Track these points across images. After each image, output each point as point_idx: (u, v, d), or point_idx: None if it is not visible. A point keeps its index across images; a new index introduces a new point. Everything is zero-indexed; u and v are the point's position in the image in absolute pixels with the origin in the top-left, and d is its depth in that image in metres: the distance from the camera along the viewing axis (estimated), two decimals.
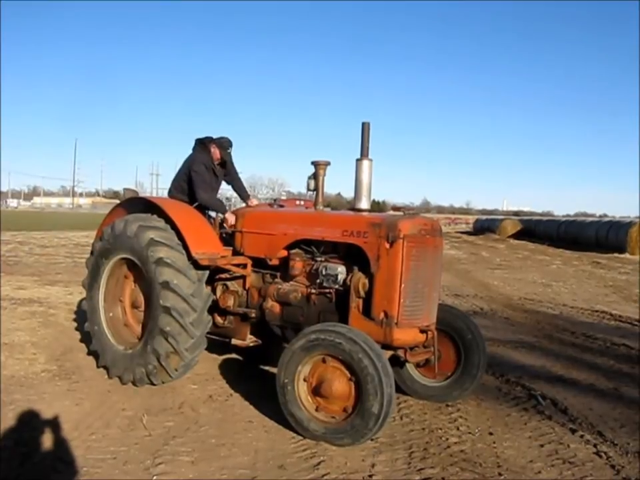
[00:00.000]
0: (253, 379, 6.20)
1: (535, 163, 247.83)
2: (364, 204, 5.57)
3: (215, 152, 6.66)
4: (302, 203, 7.01)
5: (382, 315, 4.93)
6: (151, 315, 5.54)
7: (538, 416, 5.45)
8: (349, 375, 4.53)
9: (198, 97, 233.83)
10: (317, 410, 4.69)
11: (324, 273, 5.31)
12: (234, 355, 7.02)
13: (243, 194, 7.01)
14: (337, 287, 5.27)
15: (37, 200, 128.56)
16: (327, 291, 5.33)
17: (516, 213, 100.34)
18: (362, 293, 5.11)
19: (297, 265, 5.55)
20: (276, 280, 5.79)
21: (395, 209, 5.47)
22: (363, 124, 5.50)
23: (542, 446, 4.78)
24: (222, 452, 4.41)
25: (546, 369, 7.09)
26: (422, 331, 5.10)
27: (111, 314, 6.08)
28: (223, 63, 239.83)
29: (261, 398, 5.47)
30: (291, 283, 5.65)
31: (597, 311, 11.72)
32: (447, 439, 4.84)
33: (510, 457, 4.53)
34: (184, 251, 5.54)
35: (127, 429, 4.76)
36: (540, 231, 43.36)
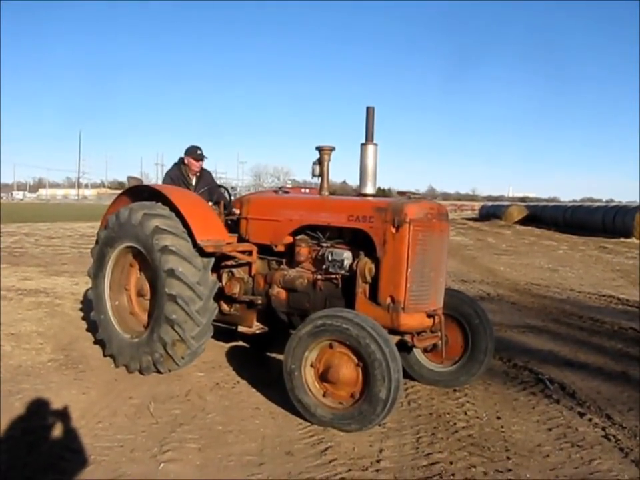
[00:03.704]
0: (260, 365, 6.20)
1: (540, 149, 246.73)
2: (369, 189, 5.53)
3: (190, 162, 7.23)
4: (307, 190, 6.97)
5: (388, 299, 4.90)
6: (156, 303, 5.53)
7: (546, 400, 5.43)
8: (356, 361, 4.51)
9: (202, 86, 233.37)
10: (324, 396, 4.67)
11: (330, 258, 5.28)
12: (240, 342, 7.01)
13: (219, 199, 6.80)
14: (343, 272, 5.24)
15: (42, 192, 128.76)
16: (333, 276, 5.30)
17: (522, 199, 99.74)
18: (368, 278, 5.07)
19: (303, 251, 5.54)
20: (282, 266, 5.76)
21: (401, 193, 5.43)
22: (368, 108, 5.46)
23: (550, 430, 4.76)
24: (229, 439, 4.40)
25: (553, 353, 7.07)
26: (429, 316, 5.07)
27: (116, 302, 6.07)
28: (227, 52, 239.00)
29: (268, 385, 5.47)
30: (297, 269, 5.62)
31: (604, 295, 11.68)
32: (455, 424, 4.82)
33: (518, 441, 4.52)
34: (189, 239, 5.51)
35: (134, 416, 4.76)
36: (546, 217, 43.25)
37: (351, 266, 5.20)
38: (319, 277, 5.39)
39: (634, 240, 27.88)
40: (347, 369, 4.54)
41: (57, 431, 4.44)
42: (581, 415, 5.08)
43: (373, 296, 5.02)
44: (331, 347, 4.61)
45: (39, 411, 4.77)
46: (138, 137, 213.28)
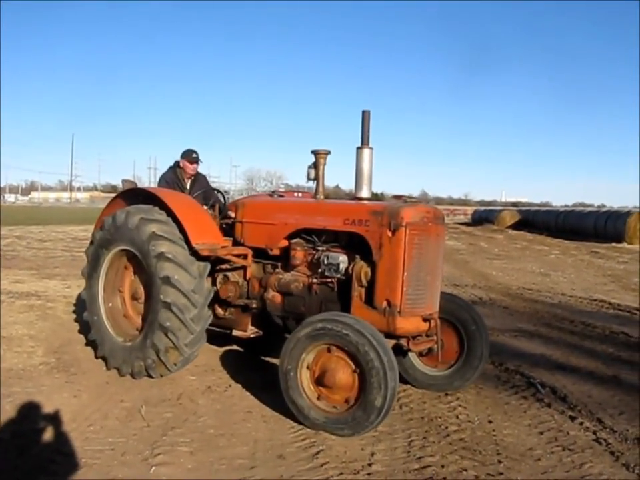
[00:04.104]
0: (252, 369, 6.19)
1: (533, 154, 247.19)
2: (365, 193, 5.53)
3: (185, 165, 7.26)
4: (300, 195, 6.97)
5: (385, 303, 4.89)
6: (151, 308, 5.50)
7: (537, 404, 5.45)
8: (353, 367, 4.49)
9: (195, 89, 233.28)
10: (318, 399, 4.66)
11: (325, 262, 5.27)
12: (233, 346, 7.00)
13: (214, 203, 6.68)
14: (338, 276, 5.23)
15: (34, 195, 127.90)
16: (329, 280, 5.29)
17: (514, 204, 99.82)
18: (364, 282, 5.06)
19: (298, 255, 5.51)
20: (277, 270, 5.74)
21: (397, 197, 5.43)
22: (363, 112, 5.46)
23: (541, 433, 4.78)
24: (221, 442, 4.40)
25: (545, 357, 7.09)
26: (425, 320, 5.07)
27: (110, 304, 6.04)
28: (220, 55, 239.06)
29: (260, 388, 5.47)
30: (292, 272, 5.61)
31: (595, 300, 11.72)
32: (446, 428, 4.84)
33: (509, 445, 4.53)
34: (185, 246, 5.49)
35: (126, 420, 4.75)
36: (538, 222, 43.35)
37: (346, 270, 5.19)
38: (315, 280, 5.37)
39: (625, 245, 28.04)
40: (344, 374, 4.52)
41: (48, 434, 4.43)
42: (572, 418, 5.10)
43: (369, 300, 5.01)
44: (329, 350, 4.59)
45: (29, 414, 4.75)
46: (131, 140, 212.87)
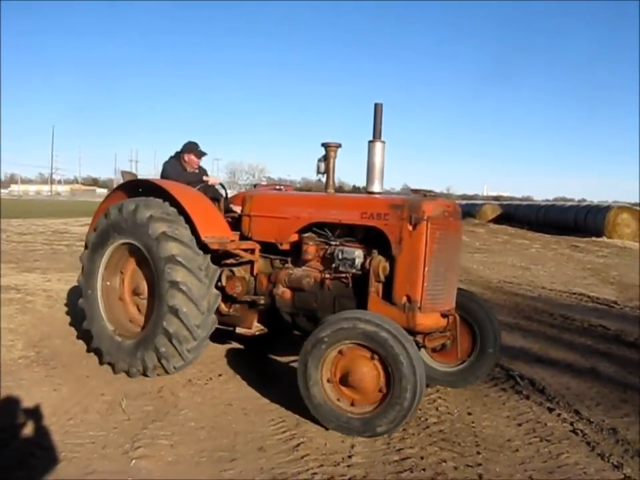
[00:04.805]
0: (233, 363, 6.19)
1: (515, 149, 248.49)
2: (377, 187, 5.47)
3: (191, 159, 6.93)
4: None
5: (404, 299, 4.81)
6: (150, 323, 5.44)
7: (516, 396, 5.52)
8: (382, 385, 4.41)
9: (177, 82, 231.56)
10: (328, 381, 4.56)
11: (340, 256, 5.13)
12: (212, 340, 6.98)
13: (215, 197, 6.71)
14: (354, 271, 5.10)
15: (14, 187, 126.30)
16: (343, 275, 5.17)
17: (496, 198, 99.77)
18: (382, 277, 4.96)
19: (310, 249, 5.37)
20: (287, 265, 5.60)
21: (415, 191, 5.35)
22: (376, 105, 5.40)
23: (520, 425, 4.84)
24: (201, 435, 4.41)
25: (524, 350, 7.18)
26: (443, 316, 5.02)
27: (108, 283, 5.90)
28: (202, 49, 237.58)
29: (240, 381, 5.50)
30: (303, 268, 5.47)
31: (575, 293, 11.86)
32: (426, 420, 4.88)
33: (488, 436, 4.59)
34: (203, 277, 5.36)
35: (106, 413, 4.74)
36: (519, 216, 43.58)
37: (362, 264, 5.07)
38: (328, 276, 5.25)
39: (605, 239, 28.27)
40: (369, 384, 4.42)
41: (28, 428, 4.41)
42: (550, 410, 5.17)
43: (387, 295, 4.91)
44: (372, 357, 4.44)
45: (9, 408, 4.72)
46: (112, 133, 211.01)
